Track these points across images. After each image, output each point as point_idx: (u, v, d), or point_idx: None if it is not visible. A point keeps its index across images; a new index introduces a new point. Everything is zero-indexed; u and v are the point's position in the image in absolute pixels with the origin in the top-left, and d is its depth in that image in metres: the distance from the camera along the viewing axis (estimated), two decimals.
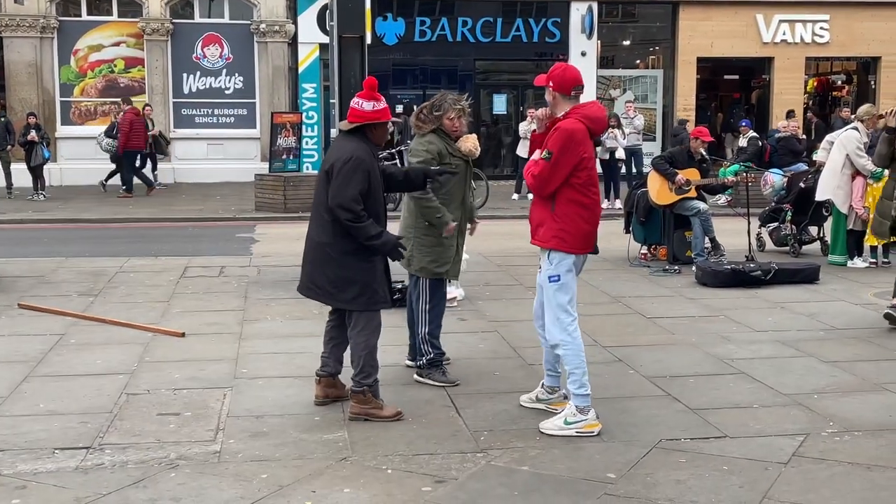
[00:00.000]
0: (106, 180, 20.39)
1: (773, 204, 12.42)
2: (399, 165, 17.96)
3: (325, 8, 21.73)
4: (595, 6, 23.17)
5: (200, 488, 4.55)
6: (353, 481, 4.64)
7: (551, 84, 5.39)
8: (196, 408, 5.77)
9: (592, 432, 5.29)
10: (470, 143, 6.38)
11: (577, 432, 5.28)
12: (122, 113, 19.87)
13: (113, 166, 20.21)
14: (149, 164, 20.92)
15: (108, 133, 19.85)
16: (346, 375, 5.83)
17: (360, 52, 9.31)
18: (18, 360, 6.79)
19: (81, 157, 21.93)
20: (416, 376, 6.42)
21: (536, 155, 5.40)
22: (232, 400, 5.93)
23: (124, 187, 19.68)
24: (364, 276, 5.52)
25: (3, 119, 19.52)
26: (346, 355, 5.83)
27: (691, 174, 10.97)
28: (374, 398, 5.61)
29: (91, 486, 4.56)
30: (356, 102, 5.56)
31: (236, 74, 22.92)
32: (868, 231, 10.75)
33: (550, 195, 5.33)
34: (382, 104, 5.57)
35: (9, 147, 19.32)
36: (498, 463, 4.93)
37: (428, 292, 6.42)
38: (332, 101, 9.77)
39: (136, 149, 19.78)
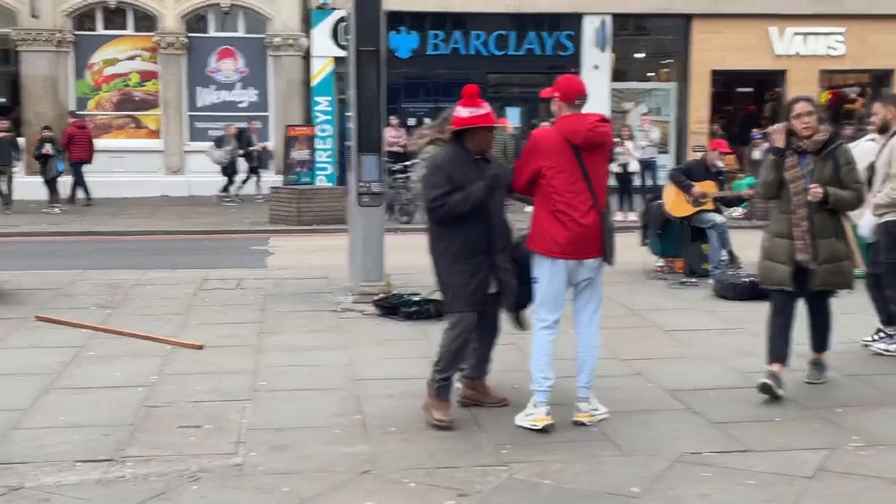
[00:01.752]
0: (223, 191, 20.82)
1: None
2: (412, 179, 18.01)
3: (339, 22, 21.90)
4: (608, 19, 23.17)
5: (223, 501, 4.55)
6: (375, 495, 4.63)
7: (557, 94, 5.62)
8: (216, 420, 5.76)
9: (536, 426, 5.54)
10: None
11: (529, 424, 5.58)
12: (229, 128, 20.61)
13: (225, 179, 20.84)
14: (253, 178, 21.24)
15: (218, 144, 20.21)
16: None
17: (376, 65, 9.31)
18: (38, 373, 6.79)
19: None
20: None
21: None
22: (252, 412, 5.92)
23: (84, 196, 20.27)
24: (458, 279, 5.63)
25: (11, 134, 19.49)
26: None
27: (708, 186, 10.94)
28: (438, 397, 5.68)
29: (114, 498, 4.56)
30: (456, 110, 5.64)
31: (250, 88, 23.00)
32: None
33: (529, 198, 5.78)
34: (482, 110, 5.58)
35: (16, 163, 19.43)
36: (520, 476, 4.90)
37: None
38: (347, 114, 9.79)
39: (79, 160, 20.17)
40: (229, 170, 20.80)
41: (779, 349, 6.30)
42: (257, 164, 21.23)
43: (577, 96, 5.57)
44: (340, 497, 4.61)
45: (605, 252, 5.61)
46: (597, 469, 4.99)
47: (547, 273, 5.60)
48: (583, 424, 5.64)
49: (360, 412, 5.94)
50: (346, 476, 4.87)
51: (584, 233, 5.51)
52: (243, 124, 21.55)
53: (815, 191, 6.00)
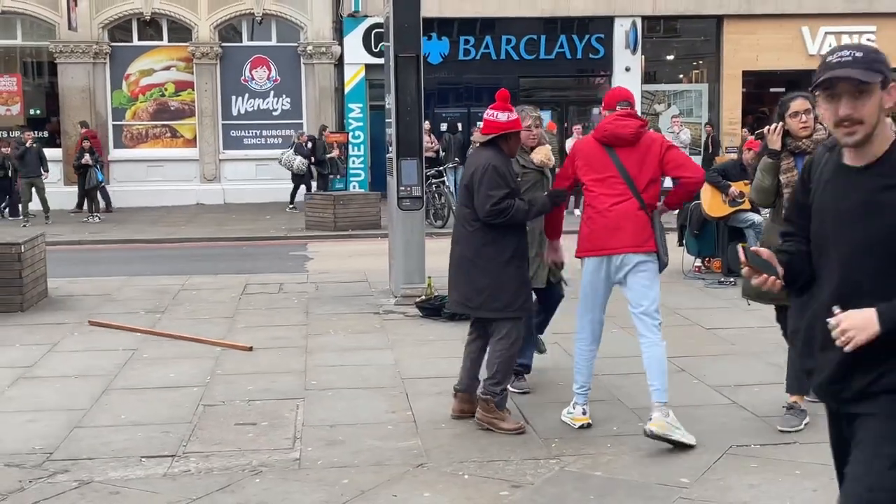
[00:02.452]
0: (292, 198, 20.91)
1: None
2: (445, 183, 18.17)
3: (371, 29, 22.13)
4: (639, 21, 23.25)
5: (286, 493, 4.70)
6: (432, 486, 4.77)
7: (602, 105, 5.92)
8: (271, 418, 5.93)
9: (574, 424, 5.67)
10: (542, 155, 6.48)
11: (569, 421, 5.70)
12: (302, 136, 20.68)
13: (290, 185, 20.96)
14: (313, 186, 20.90)
15: (297, 151, 20.43)
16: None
17: (415, 70, 9.48)
18: (95, 375, 7.00)
19: (134, 180, 22.42)
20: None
21: None
22: (305, 410, 6.08)
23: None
24: (511, 284, 5.61)
25: (35, 146, 19.65)
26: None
27: (744, 186, 11.00)
28: (498, 409, 5.64)
29: (181, 491, 4.73)
30: (490, 114, 5.69)
31: (283, 96, 23.28)
32: None
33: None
34: (515, 115, 5.73)
35: (45, 173, 19.62)
36: (571, 468, 5.03)
37: None
38: (388, 120, 9.94)
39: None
40: (306, 177, 20.79)
41: (801, 380, 5.45)
42: (329, 170, 20.99)
43: (617, 102, 5.72)
44: (398, 488, 4.75)
45: (637, 245, 5.45)
46: (646, 461, 5.10)
47: (587, 275, 5.64)
48: (654, 435, 5.25)
49: (410, 409, 6.08)
50: (402, 469, 5.01)
51: (605, 227, 5.45)
52: (297, 131, 21.58)
53: None
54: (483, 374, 5.83)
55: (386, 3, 9.95)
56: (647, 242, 5.46)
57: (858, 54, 2.64)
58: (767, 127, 5.73)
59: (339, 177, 21.25)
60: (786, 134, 5.60)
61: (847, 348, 2.60)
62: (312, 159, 20.60)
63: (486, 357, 5.79)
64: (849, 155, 2.76)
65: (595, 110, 23.68)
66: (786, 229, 3.05)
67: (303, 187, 20.60)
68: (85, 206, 20.20)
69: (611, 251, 5.49)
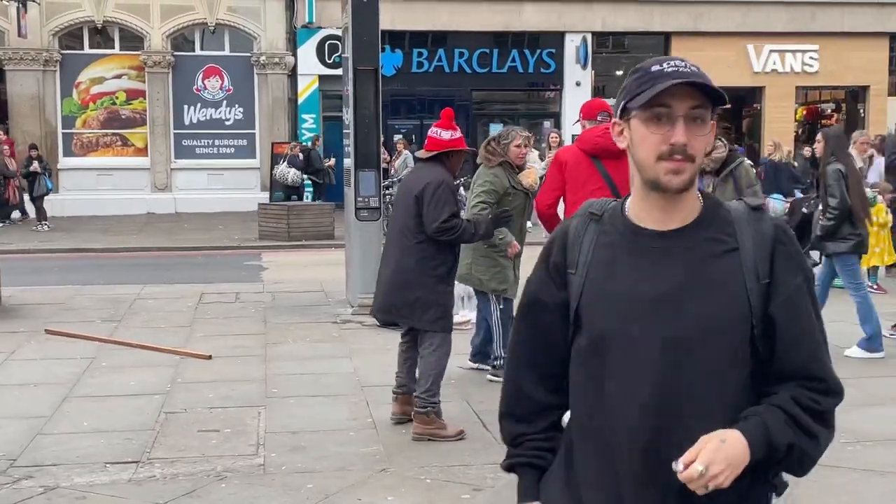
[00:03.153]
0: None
1: None
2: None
3: (325, 40, 22.22)
4: (589, 37, 23.61)
5: (252, 497, 4.80)
6: (395, 490, 4.89)
7: (581, 114, 6.10)
8: (234, 425, 6.01)
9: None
10: (531, 179, 6.74)
11: None
12: (294, 148, 20.50)
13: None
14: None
15: (290, 163, 20.22)
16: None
17: (374, 83, 9.61)
18: (55, 383, 7.01)
19: (83, 188, 22.21)
20: (490, 376, 6.89)
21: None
22: (267, 417, 6.17)
23: None
24: (444, 298, 5.79)
25: None
26: None
27: None
28: (438, 418, 5.78)
29: (147, 496, 4.80)
30: (434, 132, 5.87)
31: (236, 105, 23.25)
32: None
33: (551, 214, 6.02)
34: (459, 133, 5.91)
35: None
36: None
37: (500, 308, 6.90)
38: (346, 131, 10.06)
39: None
40: (300, 189, 20.66)
41: None
42: (323, 180, 20.96)
43: (597, 112, 5.99)
44: (362, 492, 4.87)
45: None
46: None
47: None
48: None
49: (371, 416, 6.20)
50: (365, 473, 5.13)
51: None
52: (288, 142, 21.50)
53: None
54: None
55: (344, 15, 10.07)
56: None
57: (695, 69, 1.95)
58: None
59: (331, 184, 21.13)
60: None
61: (702, 492, 1.77)
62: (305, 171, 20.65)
63: (419, 370, 5.88)
64: (650, 214, 1.94)
65: (546, 123, 24.02)
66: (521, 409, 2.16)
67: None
68: (33, 215, 19.99)
69: None
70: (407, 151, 20.22)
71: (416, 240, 5.72)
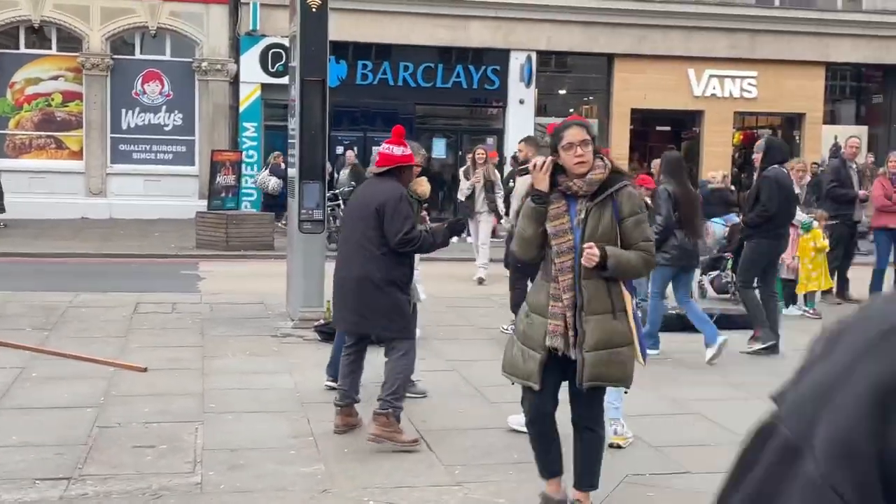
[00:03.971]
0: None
1: (714, 253, 12.88)
2: (343, 207, 18.14)
3: (268, 48, 22.01)
4: (534, 56, 23.73)
5: None
6: None
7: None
8: (170, 441, 5.83)
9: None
10: (425, 186, 6.78)
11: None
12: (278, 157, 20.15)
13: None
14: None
15: (273, 172, 19.90)
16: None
17: (321, 95, 9.51)
18: None
19: (15, 191, 21.54)
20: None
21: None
22: (204, 433, 6.01)
23: None
24: (407, 306, 6.01)
25: None
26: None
27: None
28: (397, 422, 5.86)
29: None
30: (387, 148, 6.09)
31: (176, 111, 22.89)
32: (800, 280, 11.25)
33: None
34: (409, 150, 6.12)
35: None
36: (475, 496, 5.10)
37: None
38: (291, 141, 9.93)
39: None
40: (280, 198, 20.30)
41: (550, 464, 4.81)
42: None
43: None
44: None
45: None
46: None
47: None
48: (619, 447, 5.90)
49: (312, 434, 6.08)
50: (306, 495, 5.01)
51: None
52: (273, 152, 21.16)
53: (590, 251, 4.38)
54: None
55: (292, 25, 9.95)
56: None
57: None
58: (534, 161, 4.60)
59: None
60: (556, 170, 4.52)
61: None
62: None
63: (385, 374, 5.98)
64: None
65: (489, 140, 24.06)
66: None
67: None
68: None
69: None
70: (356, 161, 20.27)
71: (380, 251, 5.88)
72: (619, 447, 5.97)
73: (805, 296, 11.39)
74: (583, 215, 4.47)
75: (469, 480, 5.30)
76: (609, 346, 4.47)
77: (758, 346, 9.03)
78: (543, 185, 4.49)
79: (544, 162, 4.50)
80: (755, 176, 9.58)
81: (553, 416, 4.67)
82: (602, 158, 4.52)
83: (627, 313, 4.55)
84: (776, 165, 9.16)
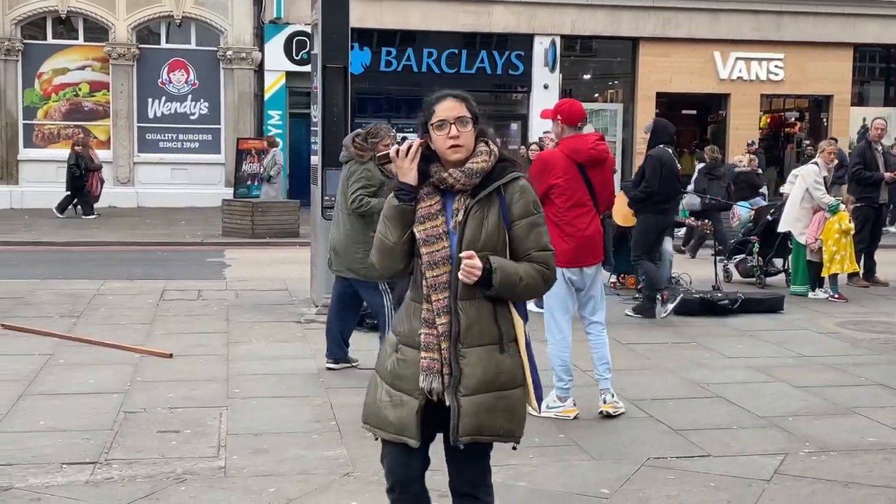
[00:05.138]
0: None
1: (740, 236, 12.81)
2: None
3: (293, 36, 22.06)
4: (558, 40, 23.65)
5: (212, 501, 4.70)
6: (359, 495, 4.82)
7: (559, 117, 6.20)
8: (195, 426, 5.89)
9: (569, 416, 6.21)
10: None
11: (555, 415, 6.17)
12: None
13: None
14: None
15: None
16: None
17: (343, 81, 9.51)
18: (11, 379, 6.86)
19: (44, 181, 21.83)
20: None
21: None
22: (229, 418, 6.07)
23: None
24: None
25: None
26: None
27: None
28: None
29: (104, 498, 4.68)
30: None
31: (202, 100, 23.02)
32: (824, 263, 11.18)
33: None
34: None
35: None
36: (495, 479, 5.06)
37: (389, 292, 7.21)
38: (314, 129, 9.96)
39: None
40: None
41: None
42: None
43: (578, 119, 6.19)
44: (325, 497, 4.79)
45: (605, 257, 6.36)
46: (568, 472, 5.23)
47: (562, 282, 6.12)
48: (609, 416, 6.25)
49: (335, 418, 6.12)
50: (328, 478, 5.05)
51: (587, 243, 6.16)
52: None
53: (469, 263, 3.23)
54: None
55: (314, 12, 9.97)
56: (602, 253, 6.35)
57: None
58: (397, 147, 3.36)
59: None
60: (430, 158, 3.38)
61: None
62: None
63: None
64: None
65: (513, 126, 24.04)
66: None
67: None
68: None
69: (589, 264, 6.28)
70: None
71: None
72: (608, 416, 6.25)
73: (829, 279, 11.31)
74: (461, 216, 3.31)
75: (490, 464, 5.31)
76: (493, 388, 3.33)
77: (670, 307, 9.48)
78: (410, 177, 3.33)
79: (409, 147, 3.33)
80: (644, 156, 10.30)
81: (423, 480, 3.59)
82: (487, 143, 3.39)
83: (519, 345, 3.40)
84: (662, 145, 9.80)
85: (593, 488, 4.99)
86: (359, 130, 7.51)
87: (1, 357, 7.57)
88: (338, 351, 7.44)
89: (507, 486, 5.00)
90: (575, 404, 6.30)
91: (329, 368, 7.38)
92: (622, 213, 11.26)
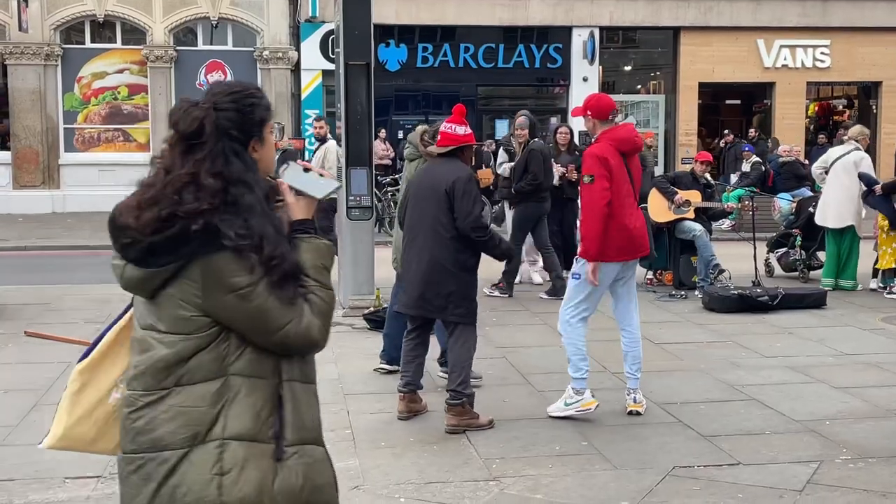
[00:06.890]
0: None
1: (781, 229, 12.42)
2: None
3: (328, 35, 21.94)
4: (597, 32, 23.26)
5: None
6: None
7: (590, 112, 6.05)
8: None
9: (590, 409, 6.01)
10: (490, 178, 6.72)
11: (576, 411, 6.00)
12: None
13: None
14: None
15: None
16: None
17: (366, 79, 9.34)
18: (27, 389, 6.78)
19: (85, 184, 21.95)
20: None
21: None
22: None
23: None
24: (474, 291, 5.95)
25: None
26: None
27: (692, 195, 10.98)
28: (471, 408, 5.88)
29: None
30: (448, 128, 5.97)
31: None
32: (878, 256, 10.82)
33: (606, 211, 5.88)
34: (470, 129, 6.02)
35: None
36: (511, 491, 4.90)
37: None
38: (337, 128, 9.81)
39: None
40: None
41: None
42: None
43: (609, 112, 6.06)
44: None
45: (649, 249, 6.27)
46: (587, 483, 4.99)
47: (604, 274, 5.99)
48: (638, 413, 6.10)
49: (350, 427, 5.94)
50: None
51: (635, 235, 6.02)
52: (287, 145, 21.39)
53: None
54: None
55: (336, 11, 9.81)
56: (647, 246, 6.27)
57: None
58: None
59: None
60: None
61: None
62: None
63: (449, 365, 6.01)
64: None
65: (553, 120, 23.70)
66: None
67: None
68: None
69: (636, 257, 6.16)
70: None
71: (449, 234, 5.78)
72: (638, 414, 6.09)
73: (883, 272, 10.90)
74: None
75: (507, 475, 5.10)
76: None
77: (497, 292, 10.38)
78: None
79: None
80: (521, 151, 10.70)
81: None
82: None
83: None
84: (537, 139, 10.75)
85: (613, 501, 4.75)
86: (425, 126, 7.21)
87: (21, 366, 7.50)
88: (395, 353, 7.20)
89: (523, 498, 4.79)
90: (593, 395, 6.10)
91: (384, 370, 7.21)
92: (661, 208, 10.98)
